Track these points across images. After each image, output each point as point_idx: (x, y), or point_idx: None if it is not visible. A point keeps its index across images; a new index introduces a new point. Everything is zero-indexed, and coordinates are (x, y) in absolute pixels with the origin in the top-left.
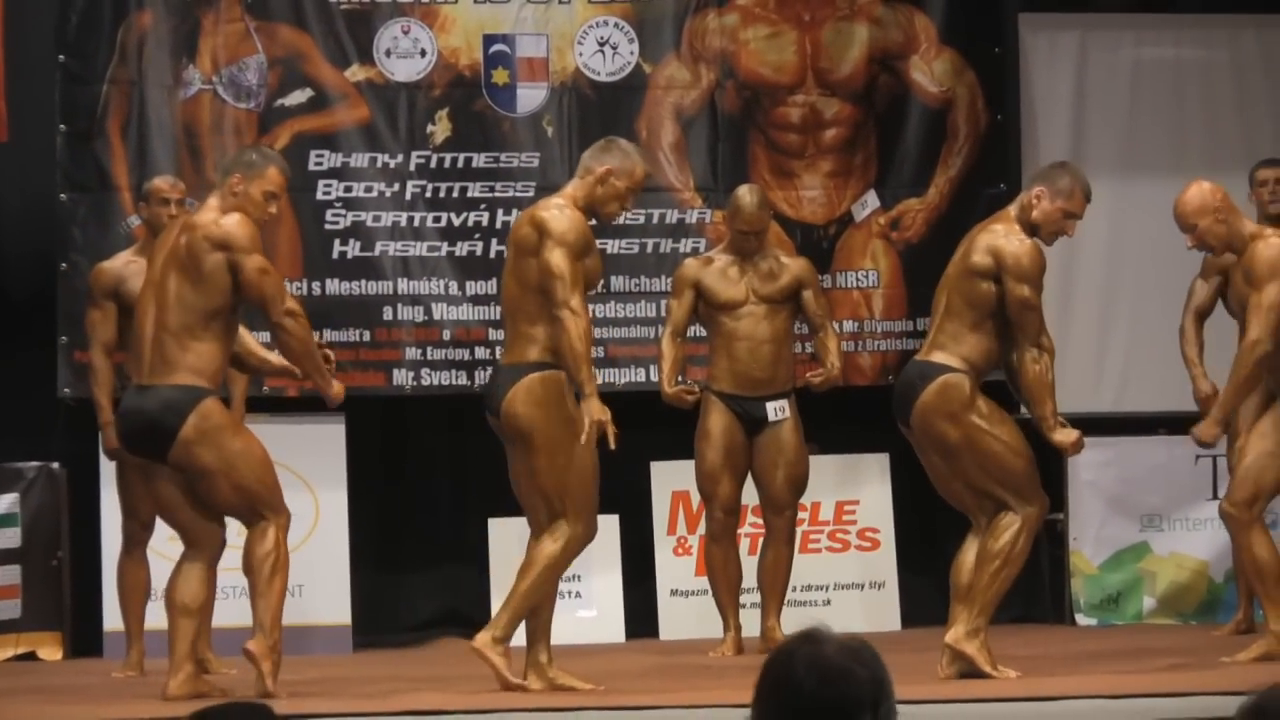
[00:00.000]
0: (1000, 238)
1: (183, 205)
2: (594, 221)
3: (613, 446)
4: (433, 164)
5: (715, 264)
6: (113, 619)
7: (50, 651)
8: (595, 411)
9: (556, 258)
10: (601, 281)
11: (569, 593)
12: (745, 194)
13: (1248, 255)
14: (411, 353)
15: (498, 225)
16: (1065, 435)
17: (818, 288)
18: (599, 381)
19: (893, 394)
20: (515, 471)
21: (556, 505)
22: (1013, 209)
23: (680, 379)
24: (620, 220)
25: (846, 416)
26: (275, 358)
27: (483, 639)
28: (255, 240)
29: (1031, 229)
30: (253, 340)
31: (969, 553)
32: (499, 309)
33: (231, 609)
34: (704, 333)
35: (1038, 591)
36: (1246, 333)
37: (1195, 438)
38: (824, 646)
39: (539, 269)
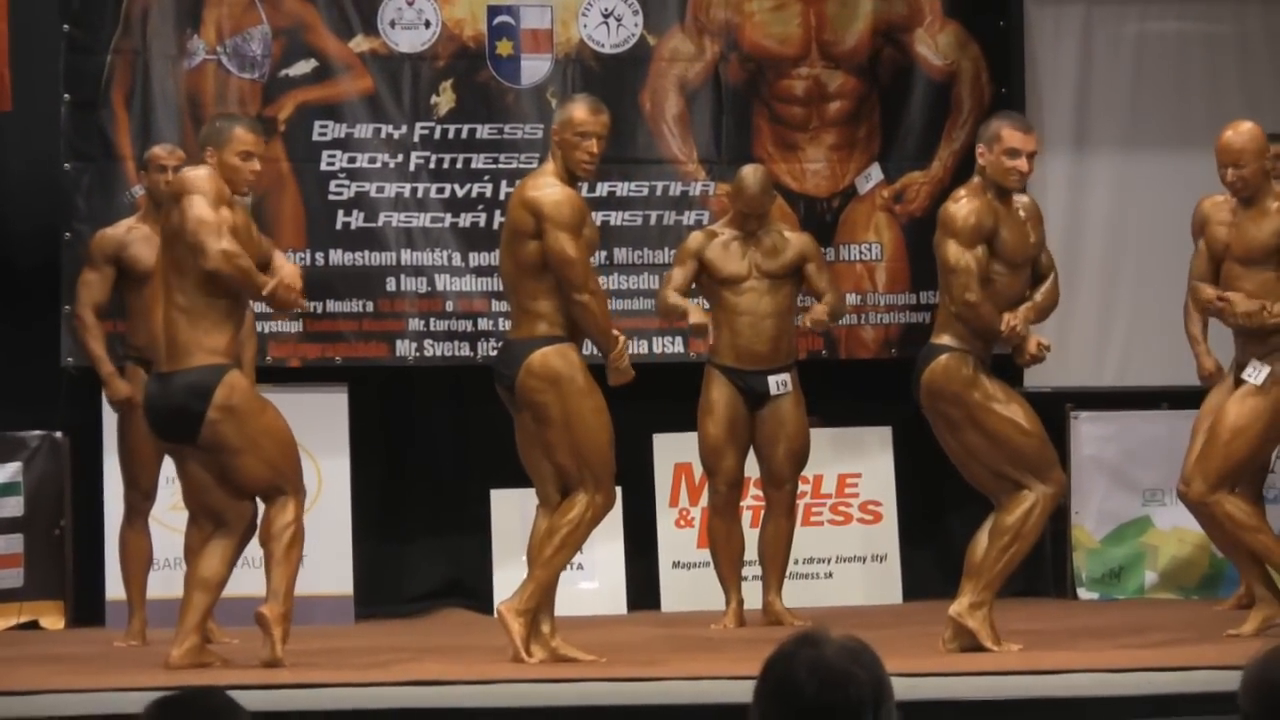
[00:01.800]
0: (946, 202)
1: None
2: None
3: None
4: (436, 135)
5: (719, 238)
6: (115, 588)
7: (52, 621)
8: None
9: (562, 243)
10: (604, 253)
11: (571, 564)
12: (749, 176)
13: None
14: (414, 324)
15: (501, 197)
16: (1019, 357)
17: (820, 262)
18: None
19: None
20: (525, 443)
21: (575, 476)
22: (975, 177)
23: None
24: (598, 182)
25: (849, 389)
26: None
27: (507, 606)
28: (209, 187)
29: (995, 186)
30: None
31: (986, 532)
32: (501, 281)
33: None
34: (706, 305)
35: (1040, 565)
36: None
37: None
38: (824, 649)
39: (548, 258)
